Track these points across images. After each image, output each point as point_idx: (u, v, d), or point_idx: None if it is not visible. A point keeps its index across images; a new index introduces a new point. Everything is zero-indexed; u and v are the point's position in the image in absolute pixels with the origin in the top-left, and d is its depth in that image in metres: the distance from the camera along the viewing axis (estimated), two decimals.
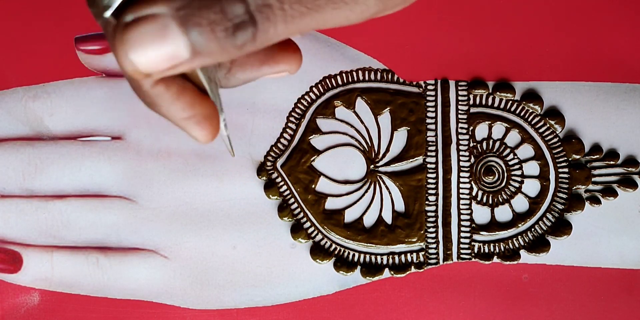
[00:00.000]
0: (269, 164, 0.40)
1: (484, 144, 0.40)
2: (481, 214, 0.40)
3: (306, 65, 0.40)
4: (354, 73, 0.41)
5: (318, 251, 0.40)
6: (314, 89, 0.41)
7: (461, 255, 0.40)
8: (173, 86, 0.23)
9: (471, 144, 0.40)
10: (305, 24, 0.22)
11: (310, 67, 0.40)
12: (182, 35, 0.21)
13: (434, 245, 0.40)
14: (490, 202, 0.40)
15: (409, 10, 0.41)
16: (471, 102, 0.40)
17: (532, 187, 0.40)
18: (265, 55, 0.26)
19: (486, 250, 0.40)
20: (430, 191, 0.40)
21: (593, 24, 0.40)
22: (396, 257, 0.40)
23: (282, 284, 0.40)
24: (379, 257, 0.40)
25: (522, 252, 0.39)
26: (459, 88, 0.40)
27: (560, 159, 0.40)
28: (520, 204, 0.40)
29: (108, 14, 0.21)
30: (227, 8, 0.21)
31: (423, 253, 0.40)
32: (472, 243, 0.40)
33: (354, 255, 0.40)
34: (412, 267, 0.40)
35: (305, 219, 0.40)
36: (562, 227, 0.40)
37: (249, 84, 0.41)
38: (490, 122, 0.40)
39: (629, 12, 0.40)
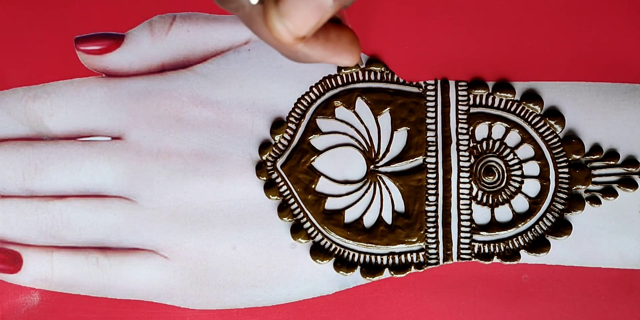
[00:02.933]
0: (269, 164, 0.40)
1: (484, 144, 0.40)
2: (481, 214, 0.40)
3: (306, 66, 0.40)
4: (354, 73, 0.41)
5: (318, 251, 0.40)
6: (314, 89, 0.41)
7: (461, 256, 0.40)
8: (319, 33, 0.25)
9: (471, 144, 0.40)
10: None
11: (310, 67, 0.40)
12: None
13: (434, 246, 0.40)
14: (490, 202, 0.40)
15: (408, 10, 0.41)
16: (471, 102, 0.40)
17: (532, 187, 0.40)
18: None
19: (486, 251, 0.40)
20: (430, 191, 0.40)
21: (593, 24, 0.40)
22: (396, 257, 0.40)
23: (282, 284, 0.40)
24: (379, 257, 0.40)
25: (522, 252, 0.39)
26: (459, 88, 0.40)
27: (560, 159, 0.40)
28: (520, 204, 0.40)
29: (255, 1, 0.24)
30: None
31: (423, 253, 0.40)
32: (472, 243, 0.40)
33: (354, 255, 0.40)
34: (412, 267, 0.40)
35: (305, 219, 0.40)
36: (562, 227, 0.39)
37: (248, 83, 0.41)
38: (490, 122, 0.40)
39: (629, 12, 0.40)
